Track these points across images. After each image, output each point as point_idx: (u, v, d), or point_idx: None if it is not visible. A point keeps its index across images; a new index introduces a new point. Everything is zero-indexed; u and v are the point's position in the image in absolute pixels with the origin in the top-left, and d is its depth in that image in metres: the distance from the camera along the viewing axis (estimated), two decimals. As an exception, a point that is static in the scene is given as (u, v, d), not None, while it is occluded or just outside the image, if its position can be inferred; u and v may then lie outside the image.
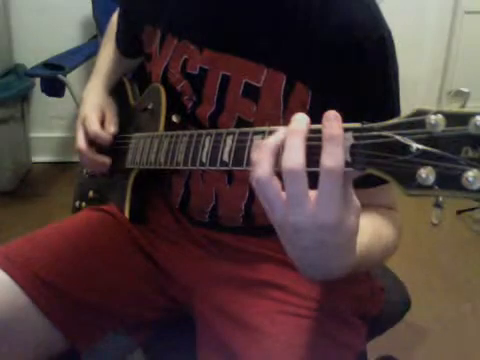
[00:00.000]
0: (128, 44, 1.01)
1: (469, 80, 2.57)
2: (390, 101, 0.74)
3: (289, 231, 0.50)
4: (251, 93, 0.76)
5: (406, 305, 1.00)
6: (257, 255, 0.85)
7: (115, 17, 1.08)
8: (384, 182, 0.73)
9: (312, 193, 0.48)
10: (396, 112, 0.74)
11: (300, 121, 0.49)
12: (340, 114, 0.48)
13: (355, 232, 0.53)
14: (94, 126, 0.92)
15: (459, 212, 2.22)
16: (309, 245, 0.51)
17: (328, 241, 0.50)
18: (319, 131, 0.49)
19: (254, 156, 0.51)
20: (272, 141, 0.50)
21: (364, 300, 0.86)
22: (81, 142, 0.93)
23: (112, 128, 0.94)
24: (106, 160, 0.94)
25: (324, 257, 0.53)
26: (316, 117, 0.50)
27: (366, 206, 0.75)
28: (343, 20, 0.70)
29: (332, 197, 0.47)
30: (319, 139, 0.48)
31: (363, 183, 0.74)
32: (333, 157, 0.46)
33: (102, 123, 0.95)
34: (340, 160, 0.46)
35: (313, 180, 0.49)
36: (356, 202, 0.51)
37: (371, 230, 0.68)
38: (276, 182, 0.49)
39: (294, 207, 0.48)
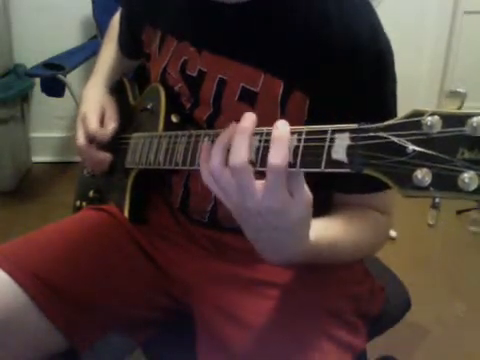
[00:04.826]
0: (130, 45, 1.02)
1: (469, 80, 2.57)
2: (386, 112, 0.74)
3: (244, 214, 0.57)
4: (248, 98, 0.76)
5: (406, 305, 1.00)
6: (257, 255, 0.85)
7: (117, 17, 1.09)
8: (381, 189, 0.74)
9: (259, 183, 0.54)
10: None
11: (246, 120, 0.56)
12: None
13: (303, 221, 0.58)
14: (93, 124, 0.93)
15: (459, 212, 2.22)
16: (261, 227, 0.57)
17: (277, 224, 0.56)
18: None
19: (204, 154, 0.59)
20: (223, 137, 0.57)
21: (364, 300, 0.86)
22: (81, 139, 0.94)
23: (111, 125, 0.94)
24: (106, 156, 0.94)
25: (276, 239, 0.59)
26: (314, 123, 0.53)
27: (352, 206, 0.77)
28: (342, 32, 0.70)
29: (276, 188, 0.53)
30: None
31: (361, 190, 0.75)
32: (277, 155, 0.52)
33: (102, 121, 0.95)
34: (284, 158, 0.52)
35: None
36: (306, 195, 0.56)
37: (341, 227, 0.72)
38: (227, 172, 0.56)
39: (244, 194, 0.55)
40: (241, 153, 0.54)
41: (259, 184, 0.55)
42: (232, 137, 0.55)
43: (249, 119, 0.56)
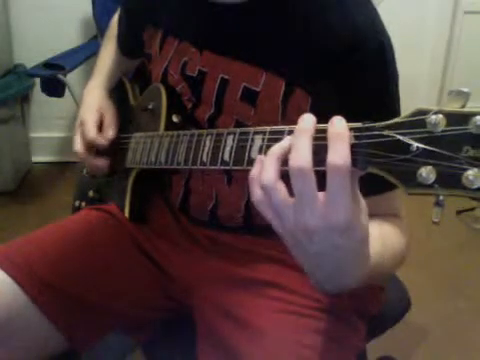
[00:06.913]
0: (129, 44, 1.02)
1: (469, 80, 2.57)
2: (389, 107, 0.74)
3: (301, 236, 0.49)
4: (249, 97, 0.76)
5: (406, 305, 1.00)
6: (257, 255, 0.85)
7: (116, 17, 1.09)
8: (388, 189, 0.73)
9: (321, 194, 0.47)
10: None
11: (307, 121, 0.50)
12: None
13: (367, 235, 0.52)
14: (90, 132, 0.93)
15: (459, 212, 2.22)
16: (322, 250, 0.50)
17: (341, 244, 0.49)
18: (324, 131, 0.49)
19: (256, 168, 0.51)
20: (277, 147, 0.50)
21: (364, 300, 0.86)
22: (78, 146, 0.94)
23: (109, 133, 0.94)
24: (104, 163, 0.94)
25: (338, 263, 0.53)
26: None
27: (373, 215, 0.75)
28: (343, 27, 0.70)
29: (341, 195, 0.46)
30: (324, 139, 0.48)
31: (368, 191, 0.74)
32: (339, 154, 0.46)
33: (100, 126, 0.95)
34: (346, 157, 0.46)
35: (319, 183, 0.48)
36: (363, 202, 0.51)
37: (380, 238, 0.67)
38: (282, 186, 0.49)
39: (304, 207, 0.47)
40: (305, 153, 0.47)
41: (321, 195, 0.48)
42: (293, 139, 0.49)
43: (309, 121, 0.50)
